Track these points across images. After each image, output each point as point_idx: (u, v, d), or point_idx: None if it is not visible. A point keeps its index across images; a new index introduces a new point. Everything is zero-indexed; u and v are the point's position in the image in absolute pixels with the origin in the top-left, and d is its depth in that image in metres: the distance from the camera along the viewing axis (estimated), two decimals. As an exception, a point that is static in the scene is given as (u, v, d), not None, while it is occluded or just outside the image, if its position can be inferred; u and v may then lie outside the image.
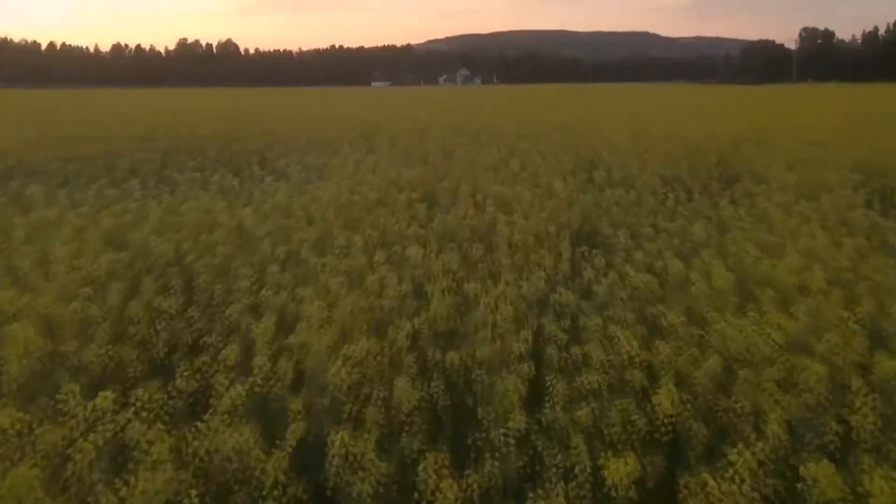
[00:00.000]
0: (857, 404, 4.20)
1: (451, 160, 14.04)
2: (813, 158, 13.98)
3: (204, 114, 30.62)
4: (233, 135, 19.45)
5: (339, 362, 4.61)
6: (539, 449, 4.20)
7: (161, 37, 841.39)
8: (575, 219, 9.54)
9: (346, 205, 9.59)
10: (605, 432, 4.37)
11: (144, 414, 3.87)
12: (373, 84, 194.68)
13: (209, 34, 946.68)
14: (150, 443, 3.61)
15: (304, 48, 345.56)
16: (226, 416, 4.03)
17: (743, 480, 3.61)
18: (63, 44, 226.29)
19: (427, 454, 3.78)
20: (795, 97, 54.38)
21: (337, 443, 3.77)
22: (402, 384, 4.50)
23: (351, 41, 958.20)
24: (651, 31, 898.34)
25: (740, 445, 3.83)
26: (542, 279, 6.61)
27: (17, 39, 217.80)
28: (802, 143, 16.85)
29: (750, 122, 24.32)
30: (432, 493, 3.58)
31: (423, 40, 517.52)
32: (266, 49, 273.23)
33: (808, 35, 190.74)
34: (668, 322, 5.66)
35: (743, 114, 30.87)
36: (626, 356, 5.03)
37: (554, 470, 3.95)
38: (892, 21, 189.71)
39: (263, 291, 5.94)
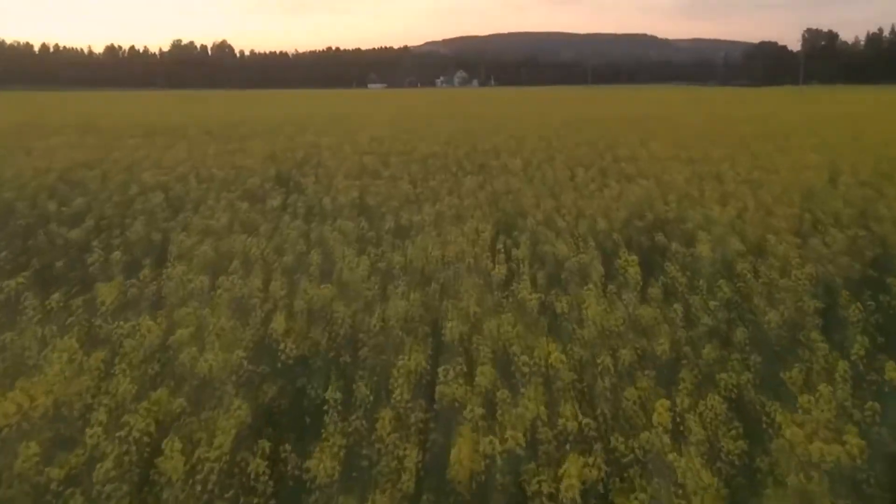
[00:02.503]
0: None
1: (403, 249, 7.38)
2: None
3: (117, 133, 23.54)
4: (97, 182, 12.42)
5: None
6: None
7: (155, 38, 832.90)
8: None
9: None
10: None
11: None
12: (369, 86, 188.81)
13: (204, 35, 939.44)
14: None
15: (301, 50, 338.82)
16: None
17: None
18: (56, 45, 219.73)
19: None
20: (864, 102, 45.77)
21: None
22: None
23: (347, 43, 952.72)
24: (649, 32, 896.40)
25: None
26: None
27: (9, 41, 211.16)
28: None
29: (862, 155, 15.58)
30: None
31: (420, 42, 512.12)
32: (261, 51, 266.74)
33: (812, 36, 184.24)
34: None
35: (830, 131, 21.45)
36: None
37: None
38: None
39: None
